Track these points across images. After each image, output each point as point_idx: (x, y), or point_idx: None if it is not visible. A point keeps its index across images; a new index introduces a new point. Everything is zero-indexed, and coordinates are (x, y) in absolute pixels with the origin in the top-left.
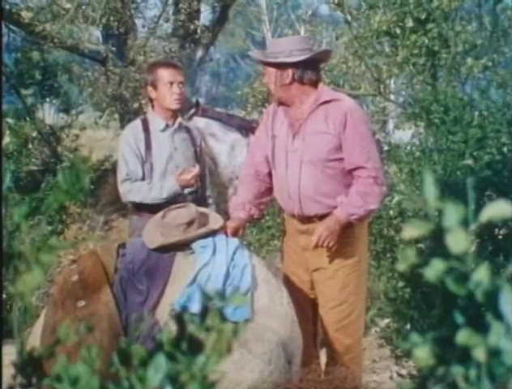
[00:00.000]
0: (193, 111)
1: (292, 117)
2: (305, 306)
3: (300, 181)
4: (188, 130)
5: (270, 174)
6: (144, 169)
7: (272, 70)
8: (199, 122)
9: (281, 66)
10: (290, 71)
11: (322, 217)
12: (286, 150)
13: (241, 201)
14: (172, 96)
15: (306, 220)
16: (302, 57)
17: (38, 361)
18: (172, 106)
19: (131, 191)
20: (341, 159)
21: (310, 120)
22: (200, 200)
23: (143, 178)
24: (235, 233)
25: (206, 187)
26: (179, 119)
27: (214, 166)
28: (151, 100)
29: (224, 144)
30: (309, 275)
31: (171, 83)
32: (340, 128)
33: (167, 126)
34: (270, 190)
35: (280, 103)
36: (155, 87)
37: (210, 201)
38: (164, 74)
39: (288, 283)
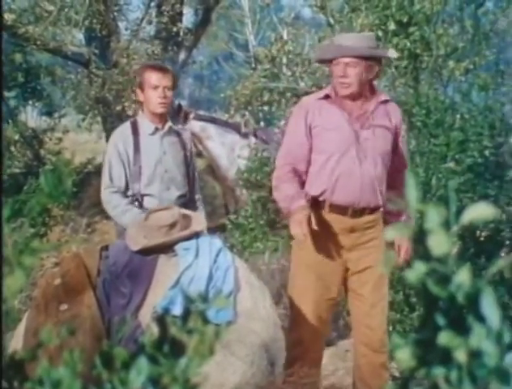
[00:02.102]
0: (192, 115)
1: (355, 110)
2: (325, 312)
3: (376, 171)
4: (178, 134)
5: (306, 172)
6: (131, 173)
7: (361, 63)
8: (195, 127)
9: (369, 61)
10: (376, 67)
11: (373, 210)
12: (355, 141)
13: (294, 192)
14: (157, 100)
15: (359, 213)
16: (388, 54)
17: (20, 364)
18: (156, 110)
19: (109, 203)
20: (393, 156)
21: (375, 114)
22: (188, 203)
23: (127, 186)
24: (308, 220)
25: (195, 191)
26: (169, 123)
27: (216, 169)
28: (140, 103)
29: (222, 147)
30: (342, 276)
31: (156, 87)
32: (398, 129)
33: (156, 129)
34: (303, 186)
35: (348, 97)
36: (142, 89)
37: (198, 204)
38: (151, 77)
39: (305, 289)
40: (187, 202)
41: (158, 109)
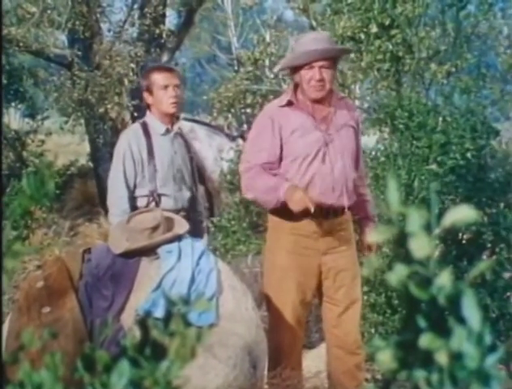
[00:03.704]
0: (182, 116)
1: (318, 112)
2: (303, 315)
3: (346, 171)
4: (182, 136)
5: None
6: (145, 173)
7: (332, 64)
8: (184, 127)
9: (336, 62)
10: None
11: (344, 211)
12: (323, 143)
13: (273, 180)
14: (169, 100)
15: (333, 214)
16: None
17: (1, 367)
18: (168, 110)
19: (113, 211)
20: (356, 154)
21: (336, 113)
22: (195, 205)
23: (135, 187)
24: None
25: (198, 193)
26: (177, 124)
27: (202, 170)
28: (148, 106)
29: (210, 149)
30: (318, 279)
31: (166, 87)
32: (357, 126)
33: (167, 130)
34: None
35: (317, 100)
36: (150, 92)
37: (200, 206)
38: (159, 78)
39: (283, 294)
40: (193, 204)
41: (170, 109)
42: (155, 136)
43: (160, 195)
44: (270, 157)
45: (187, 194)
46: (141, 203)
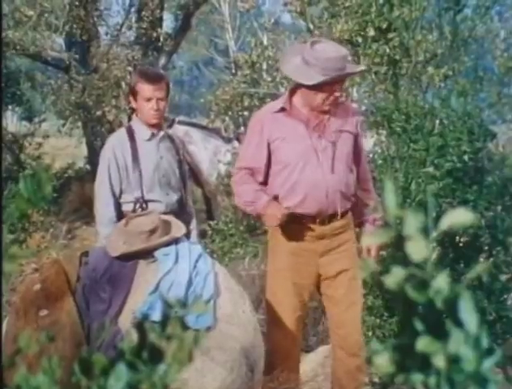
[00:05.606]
0: (177, 120)
1: (311, 120)
2: (300, 317)
3: (340, 178)
4: (172, 140)
5: (264, 183)
6: (131, 179)
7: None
8: (179, 131)
9: None
10: None
11: (342, 215)
12: (314, 151)
13: (253, 193)
14: (149, 112)
15: (328, 220)
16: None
17: None
18: (150, 121)
19: (99, 220)
20: (355, 159)
21: (331, 120)
22: (183, 208)
23: (121, 192)
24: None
25: (187, 195)
26: (164, 128)
27: (199, 174)
28: (133, 109)
29: (205, 152)
30: (315, 281)
31: (149, 99)
32: (356, 130)
33: (152, 135)
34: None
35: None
36: (135, 98)
37: (190, 208)
38: (143, 88)
39: (281, 296)
40: (182, 206)
41: (151, 120)
42: (140, 141)
43: (146, 201)
44: (254, 162)
45: (174, 197)
46: (127, 208)
